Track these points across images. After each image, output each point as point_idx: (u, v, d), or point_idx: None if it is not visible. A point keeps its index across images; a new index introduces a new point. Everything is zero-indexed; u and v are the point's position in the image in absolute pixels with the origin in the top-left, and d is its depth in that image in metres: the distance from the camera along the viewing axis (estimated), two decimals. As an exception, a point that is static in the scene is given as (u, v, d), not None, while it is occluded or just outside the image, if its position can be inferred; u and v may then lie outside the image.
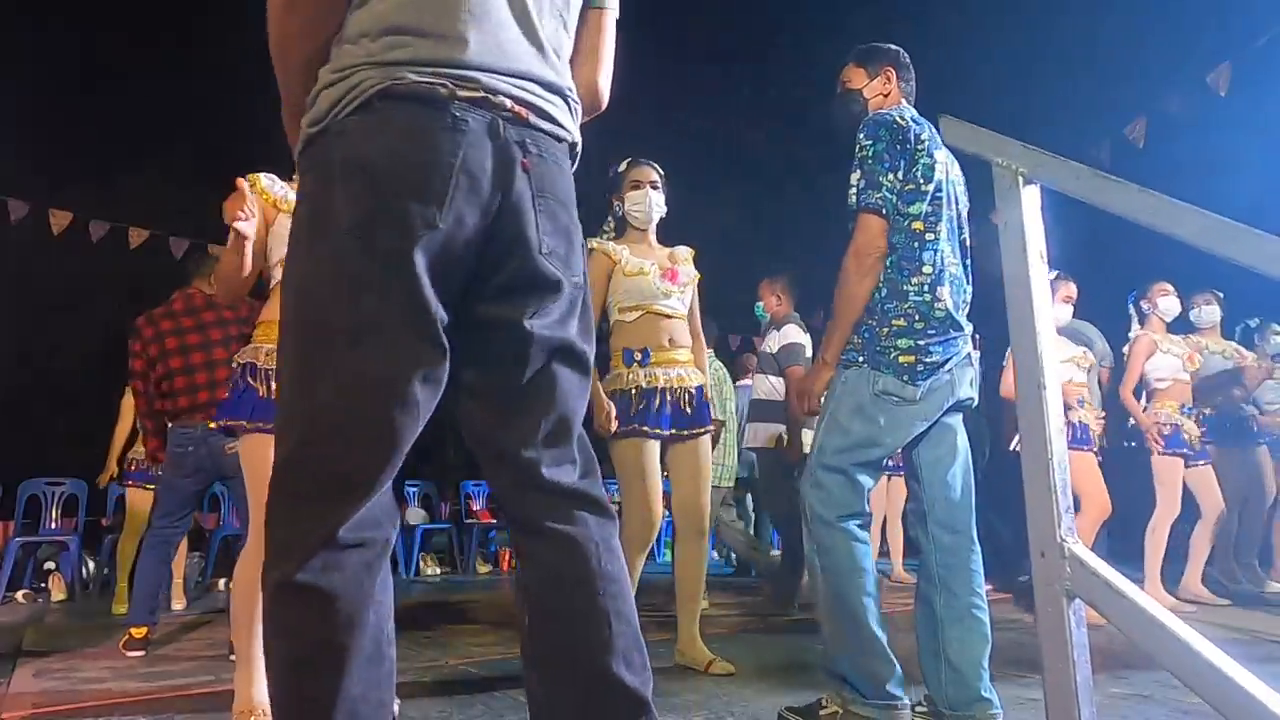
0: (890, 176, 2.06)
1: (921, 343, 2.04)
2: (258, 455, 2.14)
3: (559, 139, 1.21)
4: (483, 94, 1.12)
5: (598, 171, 3.11)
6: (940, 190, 2.10)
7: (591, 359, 1.25)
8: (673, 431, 2.86)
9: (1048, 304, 0.93)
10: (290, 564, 1.03)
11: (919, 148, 2.08)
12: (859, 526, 2.04)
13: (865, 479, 2.05)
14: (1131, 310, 4.75)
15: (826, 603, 2.03)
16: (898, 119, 2.11)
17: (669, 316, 2.92)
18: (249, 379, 2.20)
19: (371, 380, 1.06)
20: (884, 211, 2.05)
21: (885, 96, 2.29)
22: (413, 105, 1.09)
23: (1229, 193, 5.35)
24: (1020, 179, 0.93)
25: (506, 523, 1.22)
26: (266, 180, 2.25)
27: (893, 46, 2.33)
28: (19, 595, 5.60)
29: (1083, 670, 0.83)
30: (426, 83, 1.09)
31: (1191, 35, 6.70)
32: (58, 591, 5.68)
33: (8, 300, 7.50)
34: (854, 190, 2.10)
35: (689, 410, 2.89)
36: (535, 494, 1.16)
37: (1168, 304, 4.60)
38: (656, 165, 3.02)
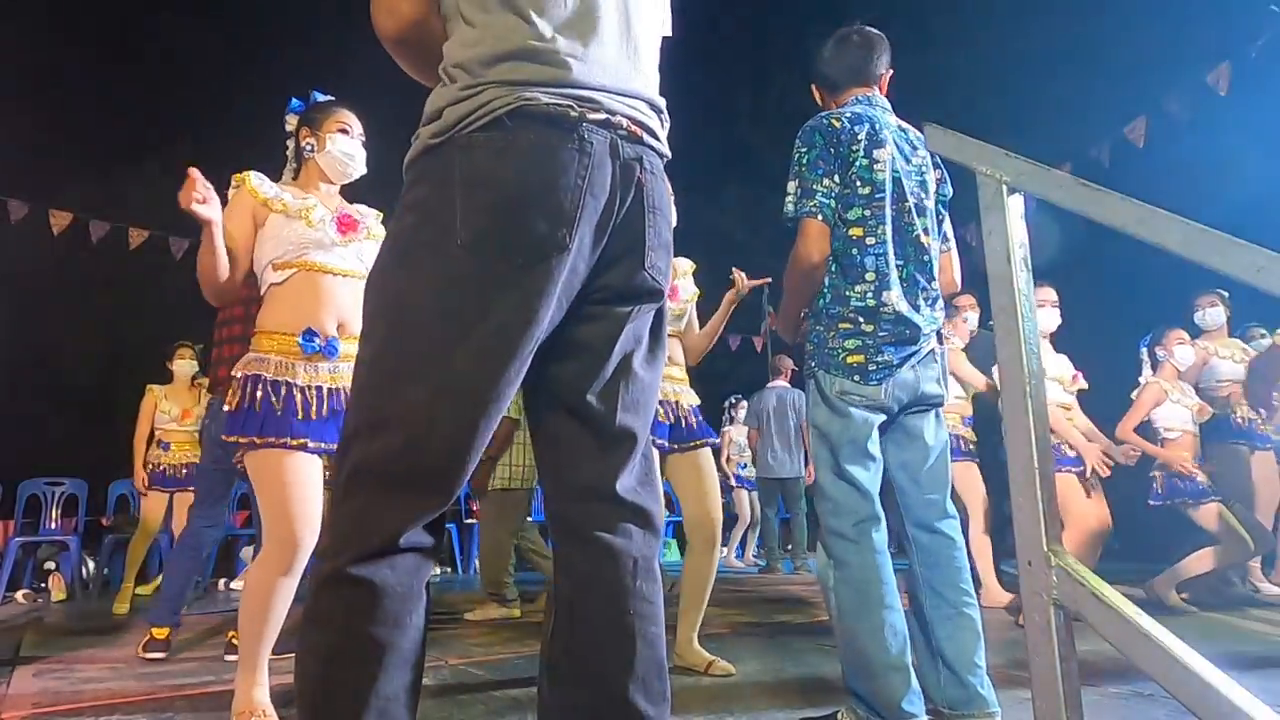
0: (826, 182, 2.06)
1: (870, 343, 2.04)
2: (268, 469, 2.09)
3: (662, 155, 1.25)
4: (604, 115, 1.14)
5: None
6: (881, 191, 2.07)
7: (663, 366, 1.28)
8: (671, 445, 2.89)
9: (1033, 312, 0.93)
10: (346, 555, 1.04)
11: (854, 149, 2.07)
12: (875, 534, 1.98)
13: (860, 471, 2.02)
14: (1144, 355, 4.72)
15: (839, 620, 1.99)
16: (831, 122, 2.10)
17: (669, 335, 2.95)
18: (258, 392, 2.12)
19: (469, 389, 1.07)
20: (822, 216, 2.06)
21: (825, 99, 2.31)
22: (543, 126, 1.10)
23: (1229, 193, 5.35)
24: (1004, 188, 0.93)
25: (551, 525, 1.21)
26: (256, 179, 2.20)
27: (819, 49, 2.30)
28: (19, 595, 5.62)
29: (1071, 679, 0.83)
30: (558, 105, 1.11)
31: (1191, 35, 6.69)
32: (58, 591, 5.70)
33: (8, 300, 7.51)
34: (790, 199, 2.10)
35: (685, 426, 2.92)
36: (594, 499, 1.16)
37: (1183, 353, 4.58)
38: None
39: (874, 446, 2.06)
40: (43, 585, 5.84)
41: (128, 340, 4.83)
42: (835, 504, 2.02)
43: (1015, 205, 0.94)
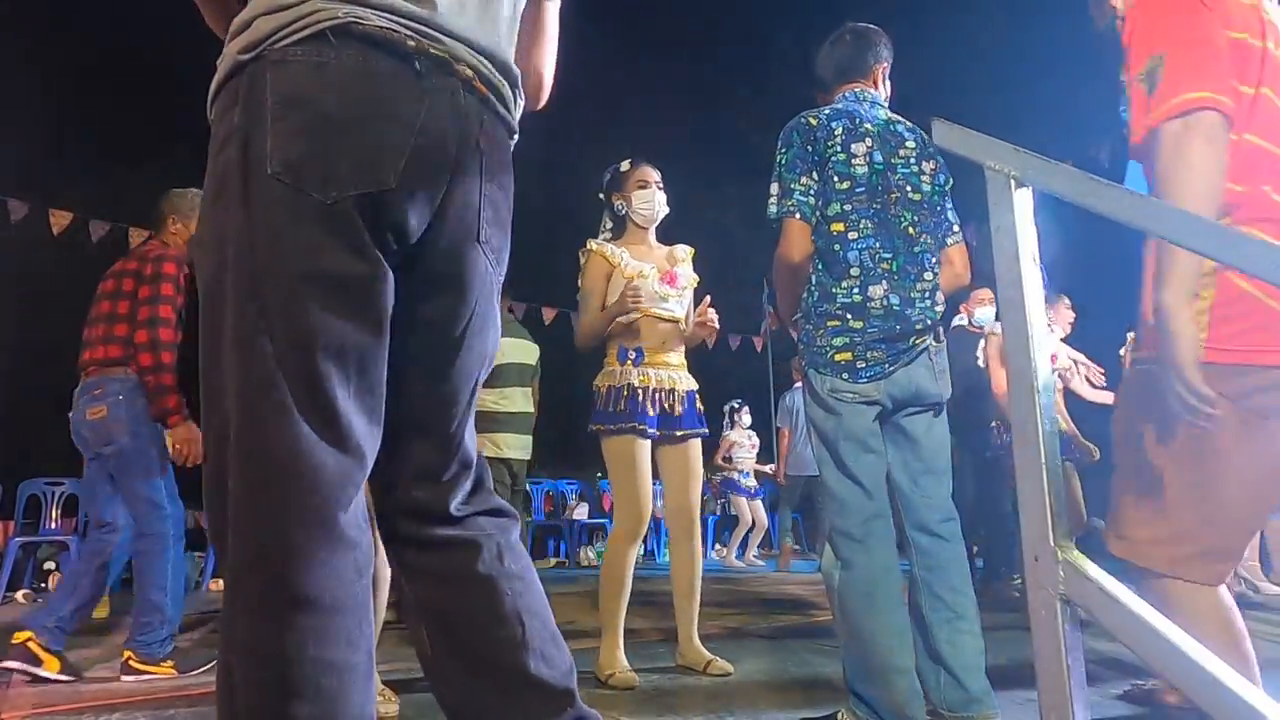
0: (804, 180, 2.08)
1: (859, 339, 2.02)
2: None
3: (508, 128, 1.13)
4: (448, 57, 1.02)
5: (597, 170, 3.11)
6: (861, 185, 2.07)
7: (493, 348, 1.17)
8: (661, 432, 2.88)
9: (1041, 307, 0.93)
10: (278, 568, 0.89)
11: (830, 145, 2.08)
12: (883, 533, 1.96)
13: (863, 467, 2.00)
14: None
15: (843, 620, 1.99)
16: (808, 120, 2.12)
17: (666, 320, 2.93)
18: None
19: (314, 342, 0.93)
20: (800, 215, 2.07)
21: (819, 99, 2.31)
22: (373, 49, 0.97)
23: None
24: (1012, 182, 0.93)
25: (385, 538, 1.11)
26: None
27: (825, 41, 2.31)
28: (19, 595, 5.61)
29: (1077, 674, 0.82)
30: (392, 29, 0.98)
31: (1192, 35, 6.70)
32: (58, 591, 5.69)
33: (8, 300, 7.50)
34: (772, 201, 2.11)
35: (677, 413, 2.91)
36: (429, 511, 1.08)
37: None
38: (657, 167, 3.03)
39: (875, 440, 2.04)
40: (43, 585, 5.83)
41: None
42: (841, 504, 2.01)
43: (1023, 200, 0.94)
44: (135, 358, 3.00)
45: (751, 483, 7.95)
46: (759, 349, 10.46)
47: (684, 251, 3.08)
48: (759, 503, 8.04)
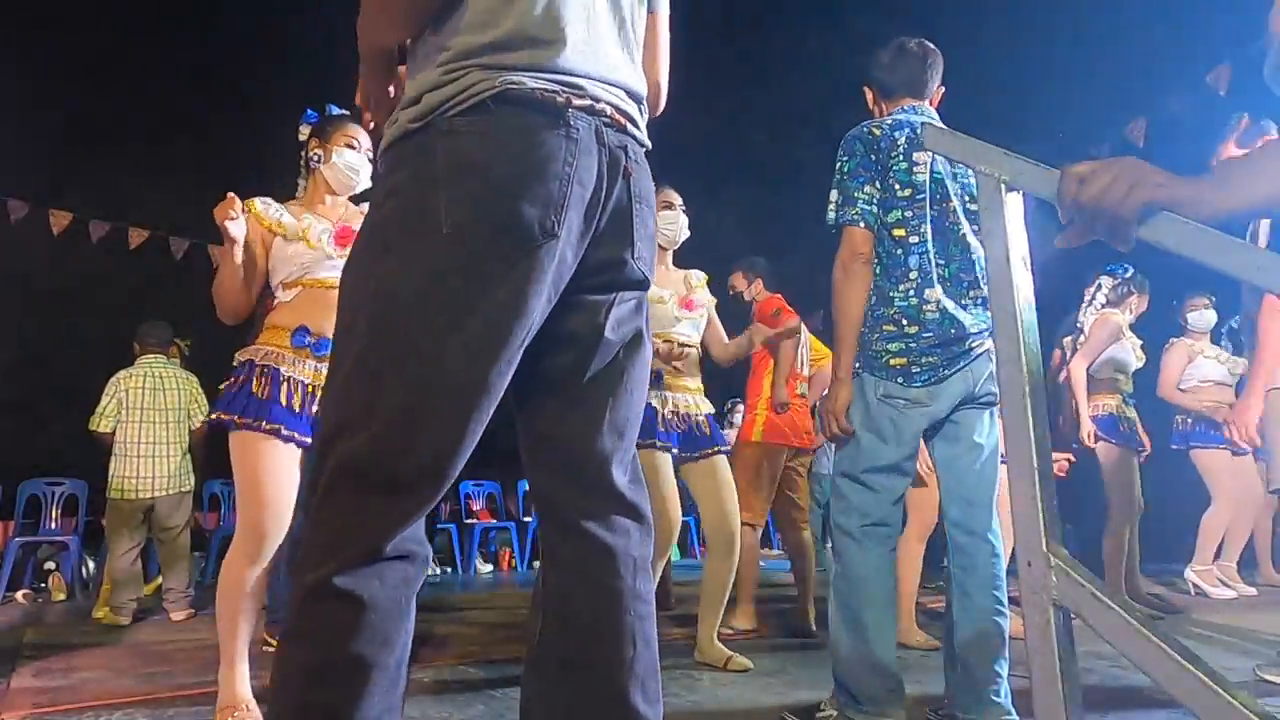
0: (866, 189, 2.10)
1: (914, 345, 2.04)
2: (244, 452, 2.14)
3: (643, 145, 1.22)
4: (589, 101, 1.11)
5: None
6: (921, 192, 2.09)
7: (651, 356, 1.28)
8: (684, 453, 2.95)
9: (1032, 311, 0.93)
10: (330, 566, 0.98)
11: (894, 154, 2.10)
12: (883, 538, 2.02)
13: (884, 483, 2.03)
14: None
15: (834, 611, 2.04)
16: (871, 130, 2.14)
17: (684, 346, 2.99)
18: (247, 376, 2.19)
19: (456, 385, 1.03)
20: (864, 224, 2.08)
21: (872, 111, 2.34)
22: (529, 111, 1.07)
23: (1228, 193, 5.33)
24: (1002, 186, 0.93)
25: (541, 518, 1.18)
26: (261, 205, 2.25)
27: (878, 52, 2.33)
28: (19, 595, 5.61)
29: (1071, 680, 0.83)
30: (544, 90, 1.08)
31: (1191, 35, 6.70)
32: (58, 591, 5.69)
33: (8, 300, 7.51)
34: (832, 207, 2.13)
35: (698, 434, 2.98)
36: (586, 492, 1.14)
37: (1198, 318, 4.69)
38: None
39: (907, 462, 2.06)
40: (43, 585, 5.82)
41: (128, 340, 4.83)
42: (846, 502, 2.06)
43: (1014, 204, 0.94)
44: None
45: None
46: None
47: (698, 278, 3.11)
48: None
